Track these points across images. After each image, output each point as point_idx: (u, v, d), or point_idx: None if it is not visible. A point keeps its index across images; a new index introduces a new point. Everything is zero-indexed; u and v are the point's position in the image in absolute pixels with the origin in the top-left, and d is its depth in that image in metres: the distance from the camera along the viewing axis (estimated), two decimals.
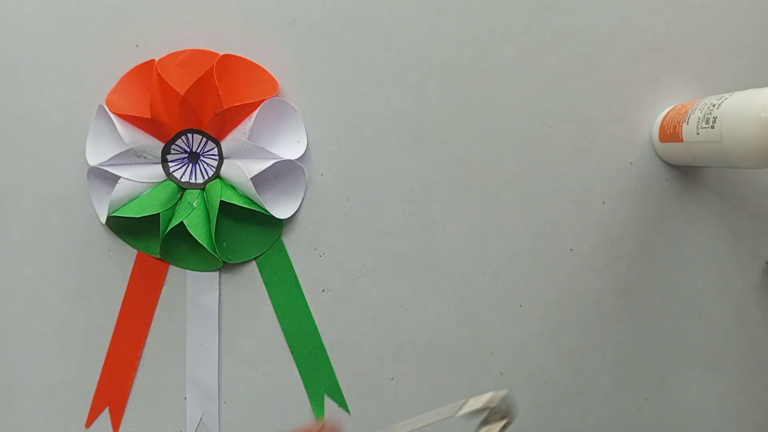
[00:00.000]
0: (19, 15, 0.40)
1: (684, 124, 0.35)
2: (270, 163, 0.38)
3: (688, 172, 0.39)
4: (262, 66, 0.39)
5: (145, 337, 0.40)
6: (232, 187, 0.39)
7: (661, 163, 0.39)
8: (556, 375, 0.40)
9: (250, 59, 0.39)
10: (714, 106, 0.32)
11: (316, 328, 0.40)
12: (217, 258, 0.39)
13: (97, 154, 0.39)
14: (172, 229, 0.38)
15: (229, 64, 0.38)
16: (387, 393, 0.40)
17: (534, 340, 0.40)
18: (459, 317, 0.40)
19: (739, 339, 0.40)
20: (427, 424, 0.26)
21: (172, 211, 0.39)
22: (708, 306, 0.40)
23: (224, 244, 0.39)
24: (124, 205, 0.38)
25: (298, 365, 0.40)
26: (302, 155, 0.39)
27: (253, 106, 0.38)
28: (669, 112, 0.38)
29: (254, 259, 0.40)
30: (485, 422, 0.25)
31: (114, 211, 0.38)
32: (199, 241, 0.38)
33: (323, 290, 0.40)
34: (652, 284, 0.40)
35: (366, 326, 0.40)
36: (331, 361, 0.40)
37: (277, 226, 0.40)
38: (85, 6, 0.39)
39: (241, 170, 0.38)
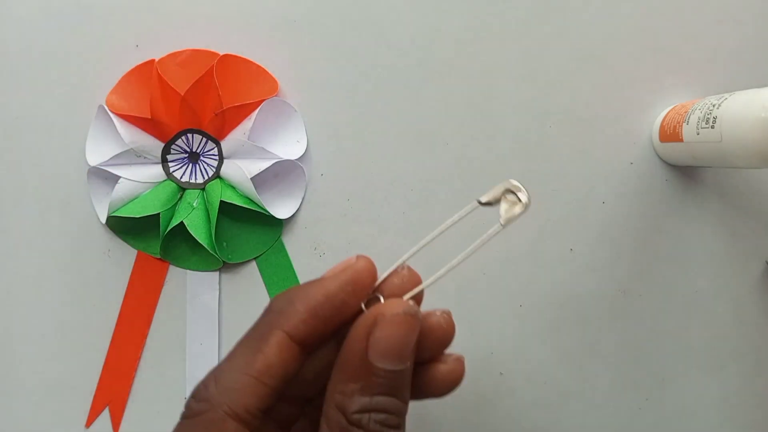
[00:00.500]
0: (19, 15, 0.40)
1: (684, 124, 0.35)
2: (270, 163, 0.38)
3: (688, 172, 0.39)
4: (262, 66, 0.39)
5: (145, 337, 0.40)
6: (232, 187, 0.39)
7: (661, 163, 0.39)
8: (556, 375, 0.40)
9: (250, 59, 0.39)
10: (714, 106, 0.32)
11: None
12: (217, 258, 0.39)
13: (97, 154, 0.39)
14: (172, 229, 0.38)
15: (229, 64, 0.38)
16: None
17: (534, 340, 0.40)
18: (459, 317, 0.40)
19: (739, 339, 0.40)
20: (453, 222, 0.26)
21: (172, 211, 0.39)
22: (708, 306, 0.40)
23: (224, 244, 0.39)
24: (124, 205, 0.38)
25: None
26: (302, 155, 0.39)
27: (253, 106, 0.38)
28: (669, 112, 0.38)
29: (254, 259, 0.40)
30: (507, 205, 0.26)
31: (114, 211, 0.38)
32: (199, 241, 0.38)
33: None
34: (652, 284, 0.40)
35: None
36: None
37: (277, 226, 0.40)
38: (85, 6, 0.39)
39: (241, 170, 0.38)
